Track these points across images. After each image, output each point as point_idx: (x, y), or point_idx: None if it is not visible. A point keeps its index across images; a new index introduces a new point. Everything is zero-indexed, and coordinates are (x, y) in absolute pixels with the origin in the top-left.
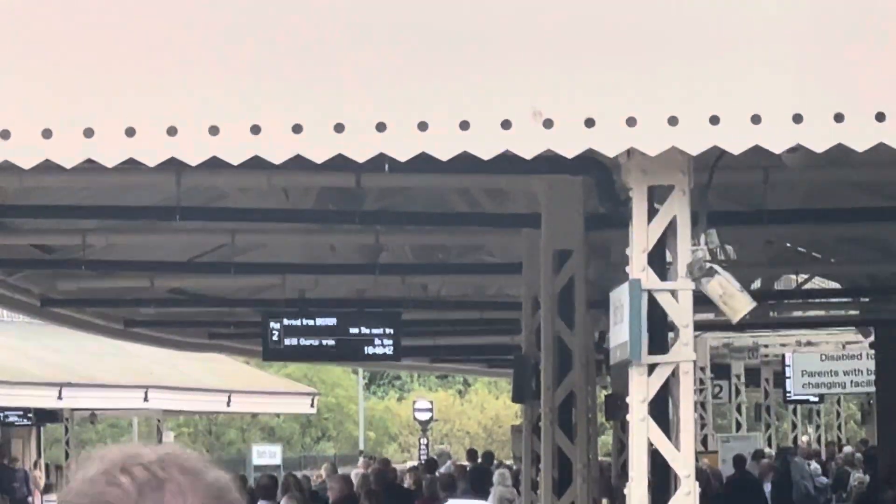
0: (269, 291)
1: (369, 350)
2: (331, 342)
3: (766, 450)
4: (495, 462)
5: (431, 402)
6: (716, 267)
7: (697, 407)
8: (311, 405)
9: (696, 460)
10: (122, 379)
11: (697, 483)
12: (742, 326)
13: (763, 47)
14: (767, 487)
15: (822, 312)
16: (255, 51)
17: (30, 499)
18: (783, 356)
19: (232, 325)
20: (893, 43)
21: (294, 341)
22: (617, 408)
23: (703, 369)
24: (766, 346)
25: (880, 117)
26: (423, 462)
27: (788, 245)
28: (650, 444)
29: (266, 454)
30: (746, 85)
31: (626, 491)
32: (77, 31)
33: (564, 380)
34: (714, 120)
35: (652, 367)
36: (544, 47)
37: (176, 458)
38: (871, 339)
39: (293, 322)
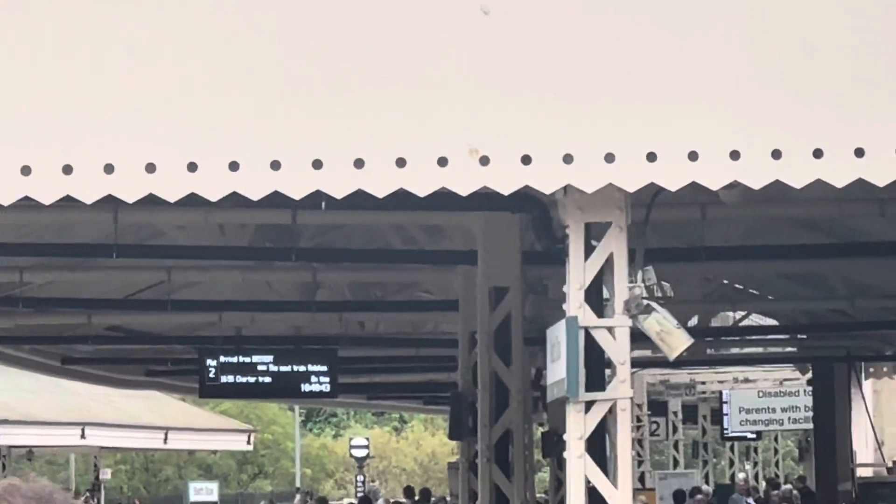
0: (206, 328)
1: (306, 387)
2: (267, 379)
3: (704, 487)
4: (433, 499)
5: (368, 439)
6: (653, 304)
7: (635, 444)
8: (248, 442)
9: (633, 498)
10: (60, 416)
11: None
12: (679, 363)
13: (700, 84)
14: None
15: (759, 349)
16: (191, 88)
17: None
18: (720, 393)
19: (169, 363)
20: (831, 80)
21: (231, 378)
22: (554, 445)
23: (640, 406)
24: (703, 382)
25: (818, 154)
26: (358, 499)
27: (726, 282)
28: (587, 482)
29: (203, 491)
30: (684, 122)
31: None
32: (13, 68)
33: (501, 417)
34: (651, 157)
35: (589, 405)
36: (481, 85)
37: (17, 488)
38: (809, 375)
39: (230, 359)
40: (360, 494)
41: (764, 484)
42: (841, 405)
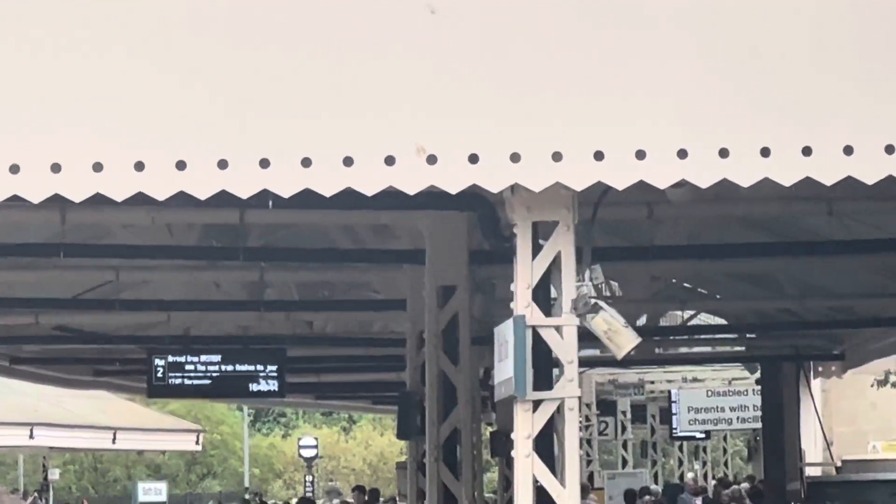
0: (154, 328)
1: (254, 387)
2: (216, 379)
3: (653, 486)
4: (381, 499)
5: (316, 439)
6: (601, 303)
7: (583, 443)
8: (197, 442)
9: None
10: (8, 416)
11: None
12: (628, 363)
13: (648, 83)
14: None
15: (707, 349)
16: (139, 87)
17: None
18: (669, 392)
19: (117, 363)
20: (778, 78)
21: (179, 378)
22: (502, 444)
23: (588, 406)
24: (651, 382)
25: (765, 152)
26: (299, 499)
27: (674, 281)
28: (535, 481)
29: (152, 491)
30: (631, 120)
31: None
32: None
33: (449, 416)
34: (598, 155)
35: (537, 404)
36: (428, 83)
37: None
38: (758, 375)
39: (178, 359)
40: (308, 494)
41: (713, 483)
42: (789, 404)
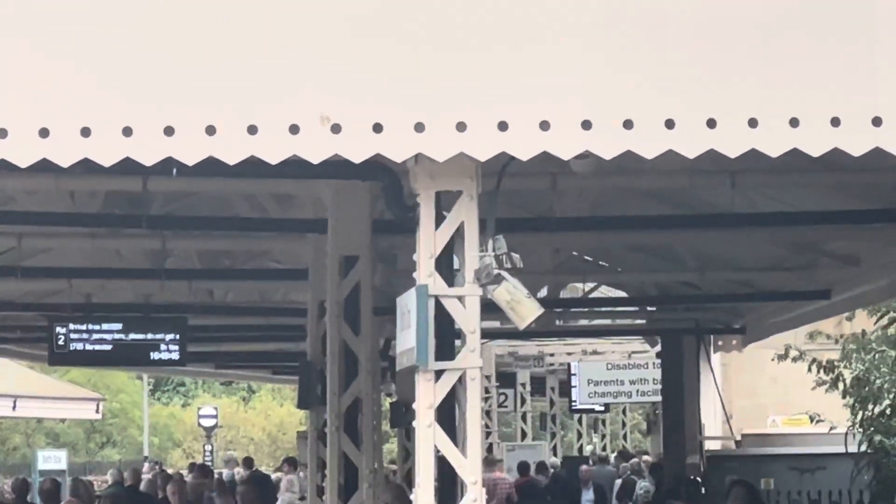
0: (56, 296)
1: (155, 355)
2: (117, 347)
3: (552, 459)
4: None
5: (216, 409)
6: (503, 273)
7: (483, 415)
8: (97, 411)
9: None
10: None
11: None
12: (528, 335)
13: (552, 52)
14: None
15: (608, 321)
16: (43, 53)
17: None
18: (569, 365)
19: (18, 330)
20: (682, 49)
21: (80, 346)
22: (402, 415)
23: (488, 377)
24: (551, 354)
25: (669, 124)
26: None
27: (575, 253)
28: (437, 451)
29: (51, 459)
30: (535, 90)
31: (412, 497)
32: None
33: (350, 386)
34: (502, 126)
35: (439, 374)
36: (332, 51)
37: None
38: (658, 348)
39: (79, 327)
40: (207, 462)
41: (613, 456)
42: (689, 378)
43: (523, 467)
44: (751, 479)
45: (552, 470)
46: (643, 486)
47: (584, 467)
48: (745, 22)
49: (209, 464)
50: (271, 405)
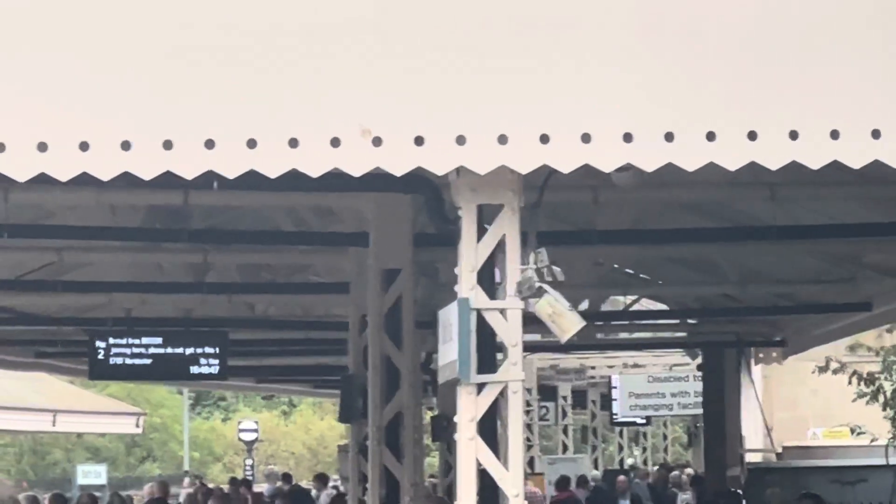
0: (96, 310)
1: (195, 369)
2: (157, 361)
3: (593, 472)
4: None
5: (256, 423)
6: (545, 286)
7: (524, 428)
8: (137, 425)
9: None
10: None
11: None
12: (569, 348)
13: (594, 65)
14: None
15: (649, 334)
16: (82, 67)
17: None
18: (610, 378)
19: (59, 344)
20: (723, 62)
21: (120, 360)
22: (444, 429)
23: (529, 391)
24: (592, 367)
25: (710, 136)
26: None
27: (616, 266)
28: (478, 464)
29: (91, 474)
30: (577, 103)
31: None
32: None
33: (392, 399)
34: (544, 139)
35: (481, 387)
36: (374, 65)
37: None
38: (699, 360)
39: (119, 341)
40: (248, 477)
41: (655, 469)
42: (730, 390)
43: (563, 482)
44: (792, 492)
45: (593, 483)
46: (684, 498)
47: (620, 478)
48: (785, 34)
49: (250, 478)
50: (312, 419)
